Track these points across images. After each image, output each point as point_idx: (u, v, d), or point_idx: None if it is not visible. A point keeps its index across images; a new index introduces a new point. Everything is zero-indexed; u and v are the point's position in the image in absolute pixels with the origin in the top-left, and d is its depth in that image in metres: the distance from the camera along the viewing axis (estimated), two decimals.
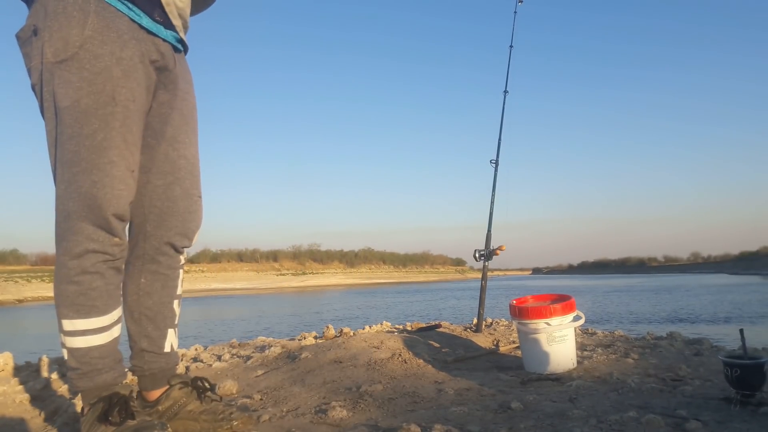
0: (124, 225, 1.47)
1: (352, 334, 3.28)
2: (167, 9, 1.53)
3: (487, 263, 3.37)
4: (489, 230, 3.42)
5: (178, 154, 1.60)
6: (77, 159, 1.36)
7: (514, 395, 1.91)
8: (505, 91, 3.75)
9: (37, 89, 1.41)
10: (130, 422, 1.40)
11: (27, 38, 1.41)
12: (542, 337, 2.32)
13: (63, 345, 1.44)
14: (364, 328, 3.76)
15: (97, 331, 1.43)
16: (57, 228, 1.41)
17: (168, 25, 1.54)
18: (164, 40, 1.53)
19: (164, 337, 1.63)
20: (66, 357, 1.44)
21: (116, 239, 1.44)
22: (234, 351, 3.35)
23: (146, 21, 1.47)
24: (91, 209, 1.37)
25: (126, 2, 1.43)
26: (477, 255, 3.36)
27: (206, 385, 1.67)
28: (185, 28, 1.64)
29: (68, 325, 1.41)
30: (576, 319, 2.41)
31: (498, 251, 3.34)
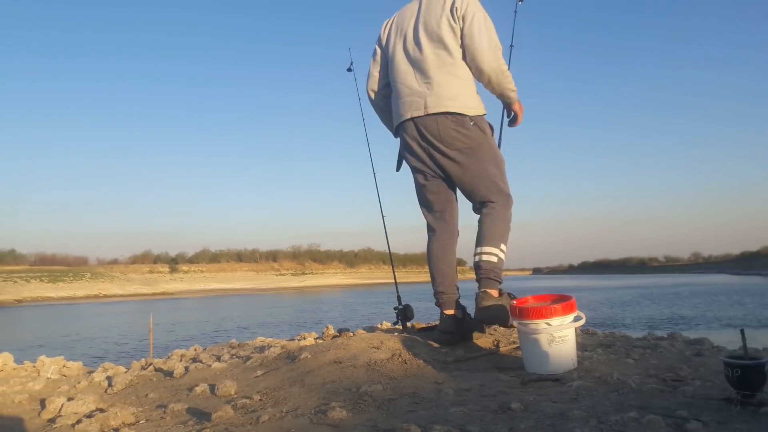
0: None
1: (351, 334, 3.28)
2: None
3: None
4: None
5: None
6: (502, 167, 2.84)
7: (515, 396, 1.90)
8: None
9: (475, 147, 2.71)
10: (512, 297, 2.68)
11: (469, 124, 2.71)
12: (542, 338, 2.31)
13: (496, 255, 2.67)
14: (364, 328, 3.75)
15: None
16: (502, 195, 2.75)
17: None
18: None
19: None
20: (496, 261, 2.66)
21: None
22: (233, 351, 3.35)
23: None
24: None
25: None
26: None
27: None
28: None
29: (504, 247, 2.70)
30: (576, 319, 2.40)
31: None
